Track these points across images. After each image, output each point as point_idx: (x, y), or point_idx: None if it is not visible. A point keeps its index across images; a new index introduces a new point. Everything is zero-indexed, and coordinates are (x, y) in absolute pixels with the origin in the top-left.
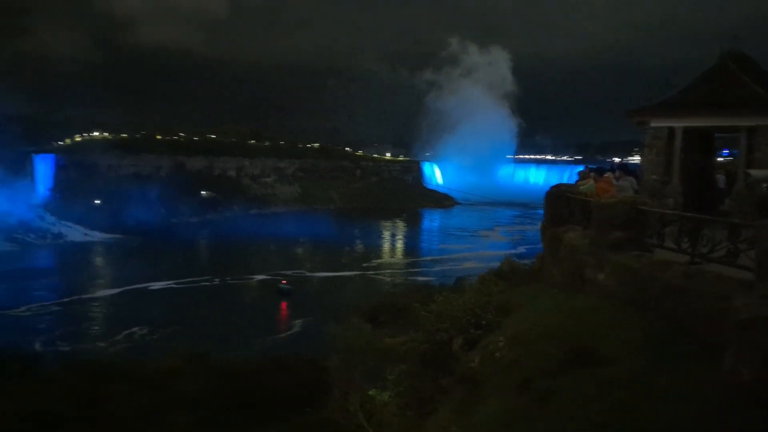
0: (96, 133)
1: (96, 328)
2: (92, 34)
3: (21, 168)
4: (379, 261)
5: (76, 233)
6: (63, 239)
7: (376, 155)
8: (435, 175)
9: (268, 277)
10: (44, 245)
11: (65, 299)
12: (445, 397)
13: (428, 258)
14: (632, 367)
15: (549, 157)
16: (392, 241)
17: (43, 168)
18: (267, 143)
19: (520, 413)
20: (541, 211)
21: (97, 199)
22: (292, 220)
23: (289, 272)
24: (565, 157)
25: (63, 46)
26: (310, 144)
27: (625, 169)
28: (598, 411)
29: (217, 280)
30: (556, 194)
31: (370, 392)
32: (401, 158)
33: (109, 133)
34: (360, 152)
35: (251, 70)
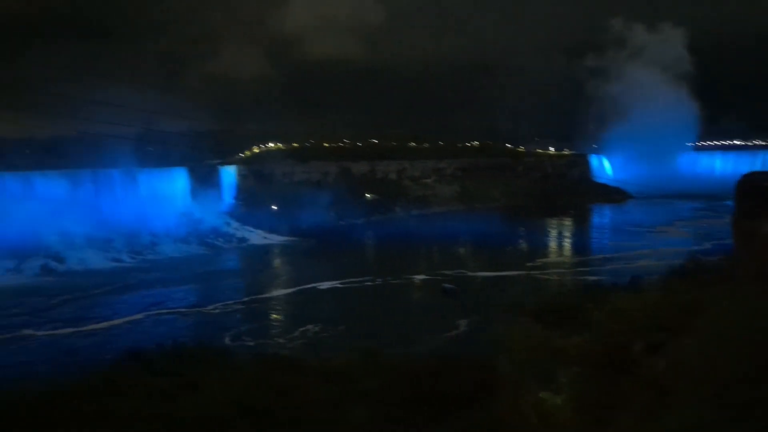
0: (271, 144)
1: (275, 325)
2: (267, 53)
3: (210, 179)
4: (545, 260)
5: (256, 237)
6: (246, 243)
7: (539, 150)
8: (604, 168)
9: (429, 277)
10: (230, 248)
11: (246, 298)
12: (627, 403)
13: (599, 256)
14: None
15: (738, 142)
16: (559, 239)
17: (227, 178)
18: (426, 145)
19: (717, 425)
20: (730, 203)
21: (274, 205)
22: (453, 219)
23: (450, 272)
24: (757, 142)
25: (243, 67)
26: (469, 143)
27: None
28: None
29: (380, 280)
30: (750, 183)
31: (542, 394)
32: (566, 152)
33: (283, 144)
34: (521, 148)
35: (409, 74)
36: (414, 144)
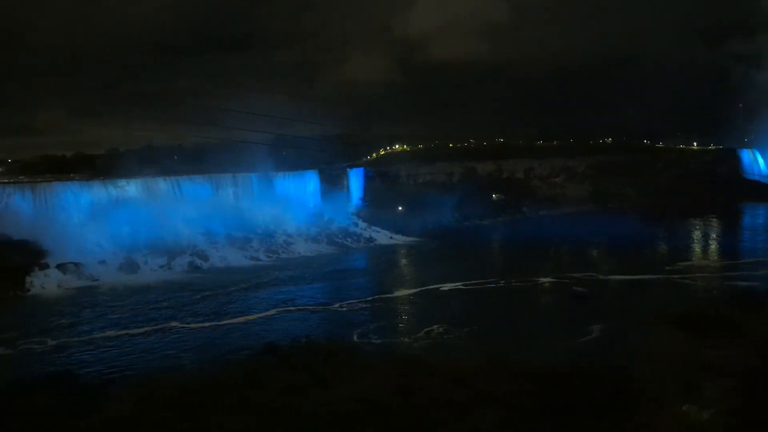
0: (397, 146)
1: (400, 324)
2: (392, 57)
3: (339, 181)
4: (688, 263)
5: (382, 237)
6: (373, 243)
7: (681, 146)
8: (757, 163)
9: (557, 280)
10: (358, 248)
11: (371, 297)
12: None
13: (751, 260)
14: None
15: None
16: (703, 241)
17: (355, 180)
18: (555, 143)
19: None
20: None
21: (400, 206)
22: (584, 220)
23: (579, 275)
24: None
25: (369, 72)
26: (602, 140)
27: None
28: None
29: (503, 282)
30: None
31: (686, 408)
32: (711, 147)
33: (408, 146)
34: (660, 144)
35: (537, 71)
36: (542, 142)
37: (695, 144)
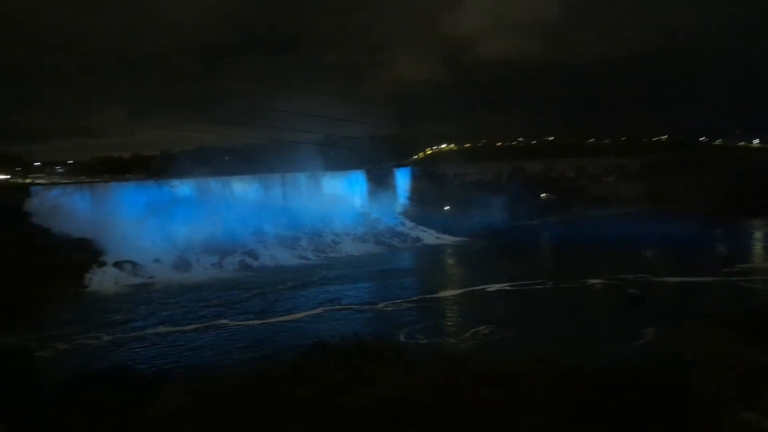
0: (444, 146)
1: (446, 325)
2: (440, 56)
3: (386, 180)
4: (747, 266)
5: (429, 237)
6: (419, 242)
7: (741, 143)
8: None
9: (608, 281)
10: (405, 248)
11: (417, 297)
12: None
13: None
14: None
15: None
16: (764, 242)
17: (402, 179)
18: (607, 141)
19: None
20: None
21: (447, 205)
22: (637, 220)
23: (631, 276)
24: None
25: (417, 71)
26: (656, 138)
27: None
28: None
29: (551, 283)
30: None
31: (745, 416)
32: None
33: (455, 145)
34: (718, 142)
35: (588, 68)
36: (593, 140)
37: (757, 141)
